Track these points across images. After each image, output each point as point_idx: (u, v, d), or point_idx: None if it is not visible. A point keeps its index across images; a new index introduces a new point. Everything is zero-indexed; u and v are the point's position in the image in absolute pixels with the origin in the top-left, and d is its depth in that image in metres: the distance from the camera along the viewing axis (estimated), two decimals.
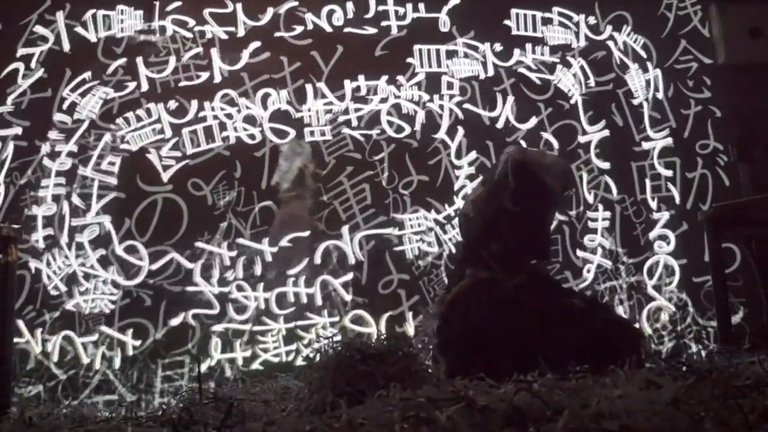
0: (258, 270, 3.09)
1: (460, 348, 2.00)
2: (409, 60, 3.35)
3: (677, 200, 3.45)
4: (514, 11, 3.49)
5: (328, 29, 3.34)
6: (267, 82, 3.26)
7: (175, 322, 2.99)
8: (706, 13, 3.66)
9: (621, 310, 3.25)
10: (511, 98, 3.39)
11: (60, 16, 3.17)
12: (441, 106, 3.33)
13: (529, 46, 3.46)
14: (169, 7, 3.26)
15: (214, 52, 3.25)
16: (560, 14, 3.53)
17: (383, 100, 3.29)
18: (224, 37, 3.27)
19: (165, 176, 3.10)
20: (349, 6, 3.36)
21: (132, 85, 3.15)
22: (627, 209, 3.42)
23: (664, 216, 3.43)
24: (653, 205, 3.44)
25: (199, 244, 3.06)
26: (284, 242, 3.12)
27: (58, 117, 3.08)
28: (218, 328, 3.02)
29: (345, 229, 3.18)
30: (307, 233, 3.14)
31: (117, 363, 2.93)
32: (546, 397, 1.24)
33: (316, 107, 3.25)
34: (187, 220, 3.08)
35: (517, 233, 2.16)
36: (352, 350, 1.80)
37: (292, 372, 2.77)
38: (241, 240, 3.10)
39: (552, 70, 3.46)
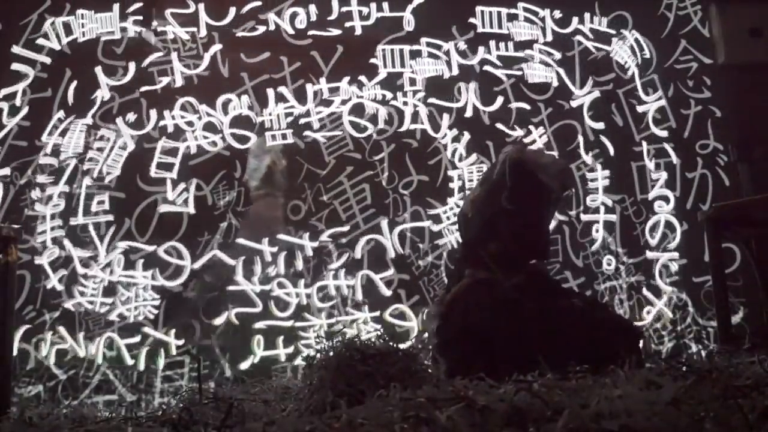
0: (299, 265, 3.10)
1: (459, 348, 2.00)
2: (373, 60, 3.33)
3: (674, 160, 3.48)
4: (479, 8, 3.47)
5: (290, 31, 3.31)
6: (229, 86, 3.22)
7: (218, 321, 3.01)
8: (706, 13, 3.66)
9: (621, 310, 3.25)
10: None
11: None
12: (405, 103, 3.30)
13: (492, 43, 3.43)
14: (130, 9, 3.22)
15: (175, 56, 3.21)
16: (525, 9, 3.51)
17: (344, 102, 3.27)
18: (185, 37, 3.23)
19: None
20: (312, 8, 3.33)
21: (99, 95, 3.12)
22: (627, 209, 3.42)
23: (662, 176, 3.46)
24: (651, 165, 3.46)
25: (240, 241, 3.07)
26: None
27: (44, 161, 3.03)
28: (260, 325, 3.03)
29: (384, 223, 3.18)
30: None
31: (161, 364, 2.94)
32: (546, 397, 1.24)
33: (277, 111, 3.22)
34: (187, 221, 3.08)
35: (516, 233, 2.16)
36: (352, 350, 1.80)
37: None
38: (281, 236, 3.11)
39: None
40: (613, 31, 3.56)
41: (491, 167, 2.39)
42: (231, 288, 3.06)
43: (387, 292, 3.14)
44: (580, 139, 3.43)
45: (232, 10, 3.29)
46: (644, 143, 3.48)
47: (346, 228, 3.18)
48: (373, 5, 3.38)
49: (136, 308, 2.98)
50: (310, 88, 3.26)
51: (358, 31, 3.36)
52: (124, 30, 3.20)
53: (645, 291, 3.34)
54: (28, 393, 2.82)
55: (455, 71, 3.38)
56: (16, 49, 3.11)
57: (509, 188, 2.17)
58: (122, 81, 3.15)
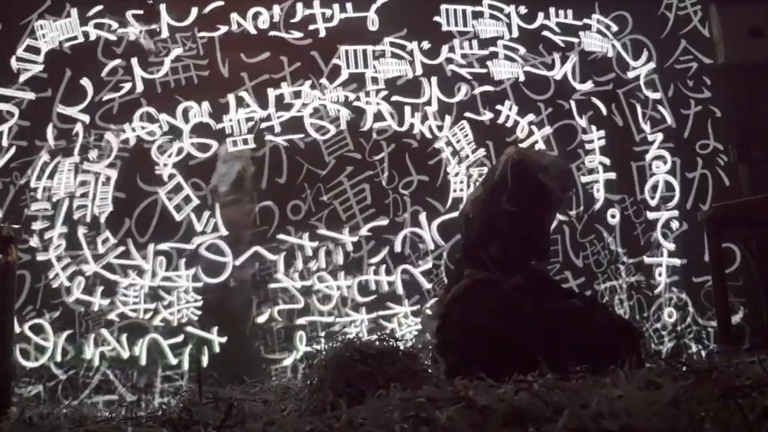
0: (339, 259, 3.11)
1: (459, 348, 2.00)
2: (336, 61, 3.29)
3: (668, 120, 3.51)
4: (443, 7, 3.44)
5: (253, 31, 3.27)
6: (190, 93, 3.17)
7: (261, 319, 3.03)
8: (706, 13, 3.66)
9: (621, 310, 3.26)
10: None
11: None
12: (368, 102, 3.28)
13: (456, 42, 3.41)
14: (91, 12, 3.16)
15: (135, 62, 3.15)
16: (491, 6, 3.49)
17: (305, 105, 3.23)
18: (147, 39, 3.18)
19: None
20: (276, 9, 3.29)
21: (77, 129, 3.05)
22: (627, 209, 3.42)
23: (659, 137, 3.49)
24: (647, 128, 3.50)
25: (282, 237, 3.08)
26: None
27: (36, 206, 2.98)
28: (302, 321, 3.04)
29: (423, 217, 3.19)
30: None
31: (205, 362, 2.95)
32: (546, 397, 1.24)
33: (238, 117, 3.18)
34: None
35: (516, 234, 2.16)
36: (352, 350, 1.80)
37: None
38: (321, 231, 3.12)
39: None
40: (579, 23, 3.54)
41: (492, 168, 2.39)
42: (273, 285, 3.07)
43: (427, 285, 3.14)
44: (639, 109, 3.49)
45: (194, 11, 3.23)
46: (638, 107, 3.51)
47: (385, 222, 3.19)
48: (336, 6, 3.34)
49: (179, 311, 2.99)
50: (271, 93, 3.22)
51: (322, 34, 3.32)
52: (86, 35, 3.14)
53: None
54: (28, 393, 2.81)
55: (419, 71, 3.35)
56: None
57: (510, 190, 2.17)
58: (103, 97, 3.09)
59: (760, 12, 3.62)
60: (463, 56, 3.41)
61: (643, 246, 3.40)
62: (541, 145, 3.36)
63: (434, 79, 3.35)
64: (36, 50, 3.10)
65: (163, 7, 3.22)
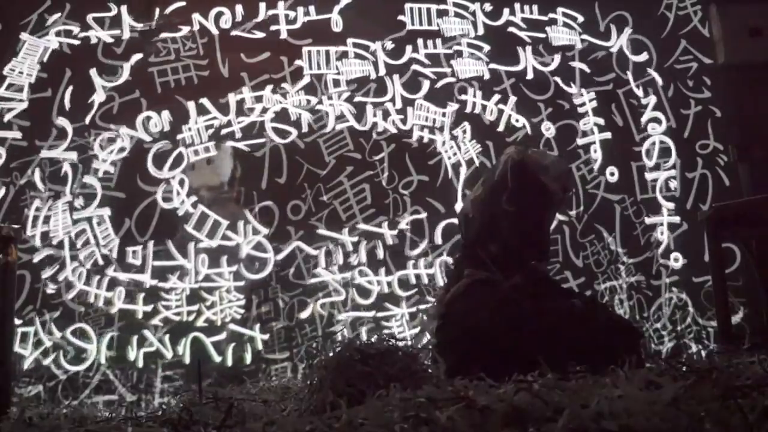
0: (380, 254, 3.12)
1: (459, 348, 2.00)
2: (298, 62, 3.26)
3: (660, 83, 3.54)
4: (408, 6, 3.42)
5: (215, 32, 3.23)
6: (151, 99, 3.12)
7: (303, 314, 3.04)
8: (706, 13, 3.66)
9: (621, 310, 3.26)
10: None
11: None
12: (331, 105, 3.25)
13: (420, 41, 3.39)
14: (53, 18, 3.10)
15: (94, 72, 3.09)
16: (455, 5, 3.47)
17: (265, 110, 3.19)
18: (109, 40, 3.14)
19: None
20: (239, 9, 3.25)
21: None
22: (627, 209, 3.42)
23: (652, 100, 3.52)
24: (639, 92, 3.53)
25: (321, 232, 3.10)
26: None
27: (39, 256, 2.94)
28: (343, 316, 3.05)
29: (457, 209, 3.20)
30: None
31: (248, 359, 2.97)
32: (546, 397, 1.24)
33: (198, 125, 3.12)
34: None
35: (516, 233, 2.16)
36: (352, 350, 1.80)
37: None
38: (361, 225, 3.15)
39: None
40: (545, 18, 3.53)
41: (492, 167, 2.39)
42: (313, 280, 3.08)
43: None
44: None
45: (156, 12, 3.19)
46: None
47: (423, 215, 3.19)
48: (301, 9, 3.30)
49: (222, 311, 2.99)
50: (232, 98, 3.17)
51: (284, 35, 3.28)
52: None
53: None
54: (28, 393, 2.81)
55: (382, 71, 3.33)
56: None
57: (510, 190, 2.17)
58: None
59: (760, 12, 3.62)
60: (427, 56, 3.38)
61: (643, 246, 3.40)
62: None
63: (396, 77, 3.33)
64: (19, 88, 3.05)
65: (124, 9, 3.17)
